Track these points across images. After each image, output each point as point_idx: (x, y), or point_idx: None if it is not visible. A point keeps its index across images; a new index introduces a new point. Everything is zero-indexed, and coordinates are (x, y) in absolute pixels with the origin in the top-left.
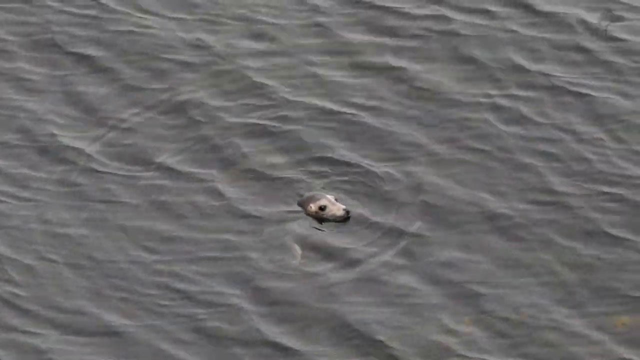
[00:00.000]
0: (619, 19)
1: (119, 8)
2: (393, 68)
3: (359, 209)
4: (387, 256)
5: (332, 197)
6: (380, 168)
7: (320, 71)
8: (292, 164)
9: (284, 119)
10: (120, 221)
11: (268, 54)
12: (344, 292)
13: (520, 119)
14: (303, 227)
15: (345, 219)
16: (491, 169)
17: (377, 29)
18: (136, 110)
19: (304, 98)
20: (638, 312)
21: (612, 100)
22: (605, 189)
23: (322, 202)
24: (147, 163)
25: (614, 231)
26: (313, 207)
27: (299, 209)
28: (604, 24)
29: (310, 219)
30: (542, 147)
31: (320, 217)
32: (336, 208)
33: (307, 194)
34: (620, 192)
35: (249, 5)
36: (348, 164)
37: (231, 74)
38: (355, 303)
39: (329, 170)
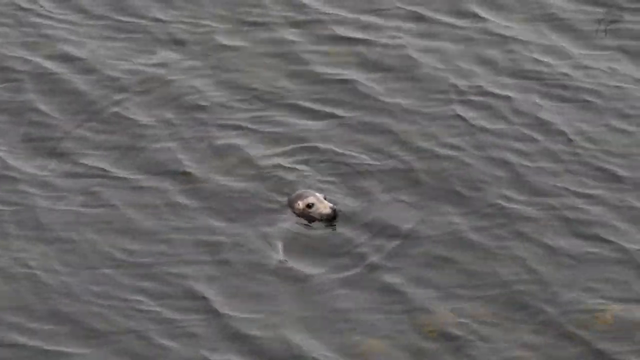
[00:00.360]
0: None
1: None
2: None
3: (342, 207)
4: (369, 256)
5: (321, 195)
6: (362, 165)
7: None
8: (273, 163)
9: (262, 117)
10: (97, 222)
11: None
12: (326, 293)
13: (494, 117)
14: (284, 226)
15: (332, 217)
16: (468, 166)
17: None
18: (116, 106)
19: (281, 94)
20: (614, 310)
21: (583, 99)
22: (578, 188)
23: (310, 200)
24: (123, 161)
25: (589, 230)
26: (301, 204)
27: (279, 208)
28: (603, 24)
29: (291, 218)
30: (517, 145)
31: (308, 215)
32: (323, 206)
33: (295, 192)
34: (595, 191)
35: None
36: (330, 161)
37: (210, 70)
38: (336, 305)
39: (309, 170)
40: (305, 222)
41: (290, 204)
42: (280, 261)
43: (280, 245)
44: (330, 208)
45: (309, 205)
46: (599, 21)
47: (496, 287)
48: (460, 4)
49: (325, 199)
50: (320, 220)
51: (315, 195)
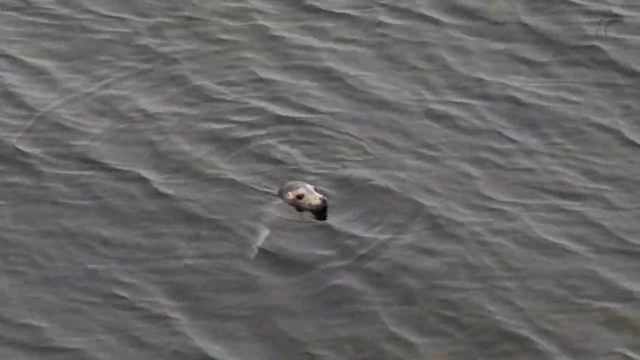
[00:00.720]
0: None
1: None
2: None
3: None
4: (331, 260)
5: (311, 186)
6: (321, 171)
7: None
8: (241, 168)
9: (226, 121)
10: (61, 225)
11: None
12: (288, 303)
13: (459, 125)
14: (270, 217)
15: (322, 208)
16: (433, 173)
17: (316, 31)
18: (79, 112)
19: (247, 100)
20: (570, 319)
21: (551, 106)
22: (544, 197)
23: (300, 191)
24: (89, 164)
25: (551, 239)
26: (291, 195)
27: (246, 213)
28: (602, 24)
29: (276, 210)
30: (482, 153)
31: (298, 206)
32: (313, 197)
33: (286, 183)
34: (557, 201)
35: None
36: (293, 169)
37: (173, 78)
38: (299, 312)
39: (275, 174)
40: (292, 214)
41: (281, 195)
42: (260, 251)
43: (264, 236)
44: (320, 199)
45: (299, 197)
46: (599, 21)
47: (474, 280)
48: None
49: (315, 190)
50: (311, 210)
51: (305, 187)
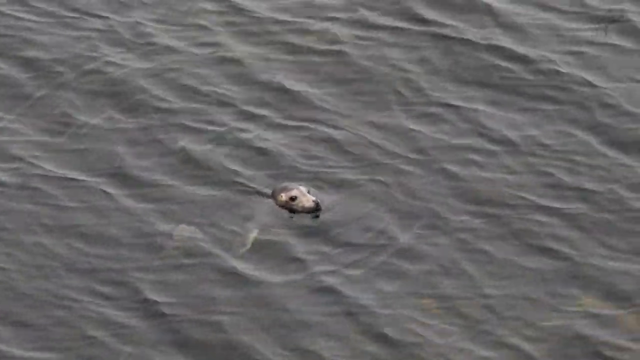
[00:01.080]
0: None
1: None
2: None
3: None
4: (320, 261)
5: (305, 188)
6: (313, 173)
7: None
8: (234, 167)
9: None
10: (49, 223)
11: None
12: (278, 301)
13: (450, 128)
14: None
15: (314, 210)
16: (422, 177)
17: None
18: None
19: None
20: (557, 322)
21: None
22: (530, 196)
23: (293, 193)
24: (66, 161)
25: (537, 241)
26: (284, 196)
27: (235, 213)
28: (603, 24)
29: (243, 222)
30: (469, 155)
31: (291, 208)
32: (306, 199)
33: (280, 184)
34: (547, 202)
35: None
36: (286, 170)
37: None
38: (291, 310)
39: (268, 175)
40: (282, 215)
41: (274, 196)
42: (249, 251)
43: (253, 235)
44: (313, 202)
45: (292, 198)
46: (599, 21)
47: (466, 282)
48: (406, 5)
49: (309, 192)
50: (304, 212)
51: (299, 189)
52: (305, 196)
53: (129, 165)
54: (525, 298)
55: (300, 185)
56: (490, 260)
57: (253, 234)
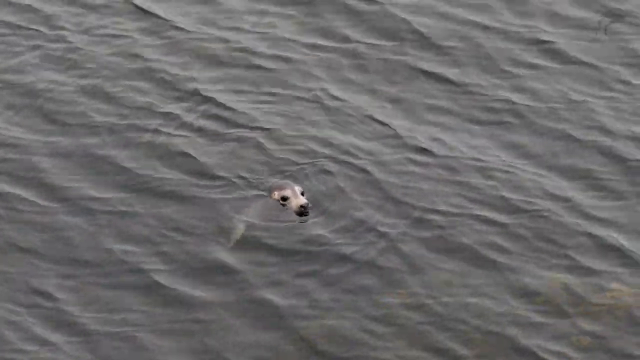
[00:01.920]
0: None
1: None
2: None
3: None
4: (307, 260)
5: (299, 189)
6: (306, 172)
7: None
8: (228, 163)
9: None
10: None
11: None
12: (267, 293)
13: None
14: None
15: (301, 213)
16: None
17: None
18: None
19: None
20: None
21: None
22: (478, 210)
23: (285, 193)
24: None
25: (481, 251)
26: (276, 195)
27: (225, 207)
28: (604, 23)
29: (232, 217)
30: (466, 159)
31: (282, 206)
32: (296, 201)
33: (277, 181)
34: (491, 214)
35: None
36: (280, 171)
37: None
38: (281, 305)
39: (262, 173)
40: (274, 211)
41: (269, 192)
42: (237, 244)
43: (241, 229)
44: (302, 205)
45: (284, 198)
46: (599, 21)
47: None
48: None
49: (302, 194)
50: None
51: (293, 189)
52: (297, 198)
53: (52, 176)
54: (461, 305)
55: (297, 186)
56: (423, 267)
57: (240, 229)
